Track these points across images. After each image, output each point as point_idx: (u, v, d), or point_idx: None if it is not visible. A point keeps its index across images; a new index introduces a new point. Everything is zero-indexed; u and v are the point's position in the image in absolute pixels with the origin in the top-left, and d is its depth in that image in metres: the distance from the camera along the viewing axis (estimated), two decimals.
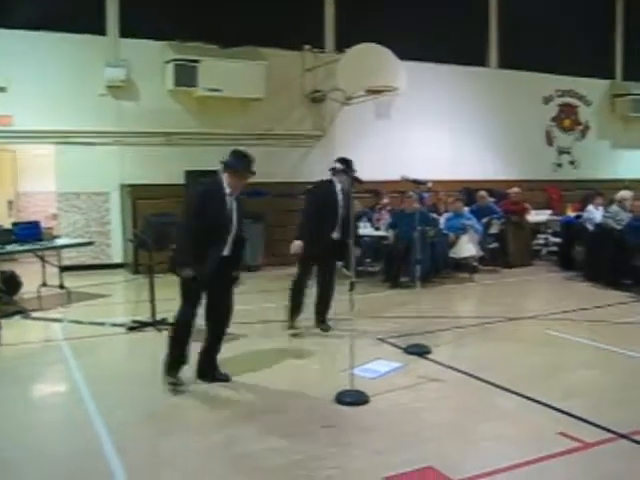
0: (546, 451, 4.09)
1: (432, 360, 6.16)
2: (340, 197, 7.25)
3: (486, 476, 3.81)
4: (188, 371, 5.53)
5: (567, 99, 16.96)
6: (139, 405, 5.11)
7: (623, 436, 4.30)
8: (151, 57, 12.17)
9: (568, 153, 17.08)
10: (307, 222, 7.30)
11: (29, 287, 9.22)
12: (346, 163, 7.03)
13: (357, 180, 5.47)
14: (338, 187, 7.27)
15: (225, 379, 5.60)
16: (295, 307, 7.33)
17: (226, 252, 5.46)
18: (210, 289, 5.45)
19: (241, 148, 5.77)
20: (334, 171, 7.19)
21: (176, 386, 5.37)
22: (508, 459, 4.00)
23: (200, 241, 5.28)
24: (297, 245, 7.16)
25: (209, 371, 5.61)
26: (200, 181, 5.62)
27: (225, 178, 5.44)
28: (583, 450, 4.14)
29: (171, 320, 7.15)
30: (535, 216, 13.10)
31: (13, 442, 4.38)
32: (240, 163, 5.47)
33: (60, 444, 4.39)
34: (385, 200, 11.94)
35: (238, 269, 5.65)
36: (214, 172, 5.66)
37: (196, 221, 5.31)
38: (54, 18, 11.41)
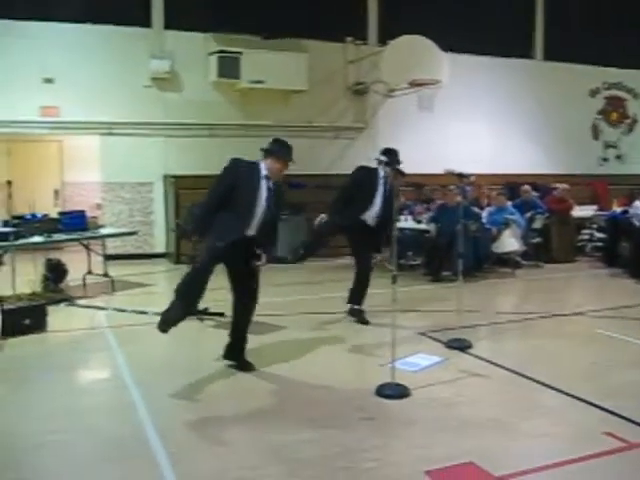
0: (590, 450, 4.01)
1: (473, 355, 6.10)
2: (381, 185, 7.25)
3: (528, 473, 3.75)
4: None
5: (615, 92, 16.61)
6: (180, 392, 5.16)
7: None
8: (195, 49, 12.29)
9: (615, 147, 16.73)
10: (339, 198, 7.39)
11: (74, 275, 9.37)
12: (390, 154, 7.04)
13: (400, 173, 5.43)
14: (381, 174, 7.28)
15: (250, 368, 5.62)
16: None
17: (250, 232, 5.42)
18: (232, 269, 5.48)
19: (282, 138, 5.81)
20: (379, 162, 7.20)
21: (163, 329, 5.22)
22: (551, 457, 3.93)
23: (223, 212, 5.28)
24: (323, 216, 7.28)
25: (235, 355, 5.69)
26: (239, 158, 5.64)
27: (266, 163, 5.50)
28: (628, 450, 4.05)
29: (213, 310, 7.33)
30: (580, 211, 12.86)
31: (62, 425, 4.47)
32: (282, 149, 5.57)
33: (106, 428, 4.46)
34: (435, 194, 11.82)
35: (264, 250, 5.52)
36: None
37: (223, 190, 5.34)
38: (100, 11, 11.63)
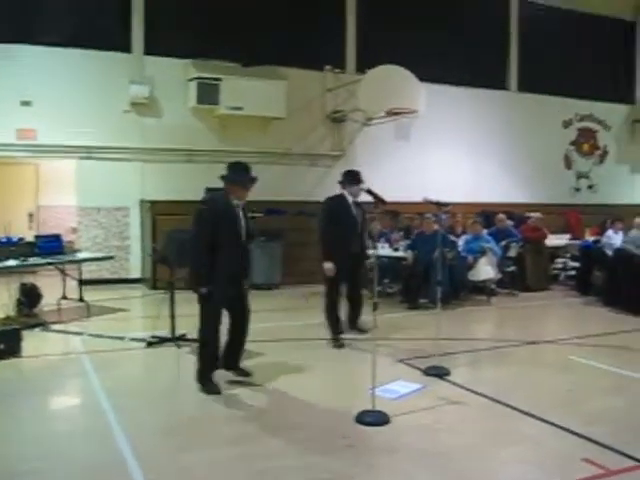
0: (569, 477, 4.06)
1: (452, 382, 6.13)
2: (353, 210, 7.31)
3: None
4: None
5: (586, 123, 16.96)
6: (159, 418, 5.13)
7: None
8: (174, 75, 12.32)
9: (587, 177, 17.06)
10: (326, 239, 7.35)
11: (49, 299, 9.27)
12: (349, 175, 7.17)
13: (381, 201, 5.49)
14: (350, 200, 7.33)
15: (246, 374, 5.95)
16: (335, 323, 7.46)
17: (240, 260, 5.66)
18: (229, 300, 5.67)
19: (238, 160, 5.94)
20: (342, 184, 7.32)
21: (216, 392, 5.61)
22: None
23: (216, 255, 5.38)
24: (330, 267, 7.23)
25: (233, 364, 5.95)
26: (208, 197, 5.86)
27: (231, 192, 5.57)
28: (607, 477, 4.10)
29: (190, 336, 7.29)
30: (554, 240, 13.04)
31: (37, 452, 4.40)
32: (241, 175, 5.65)
33: (82, 455, 4.40)
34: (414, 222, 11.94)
35: (246, 277, 5.87)
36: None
37: (207, 235, 5.43)
38: (80, 35, 11.64)
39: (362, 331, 7.58)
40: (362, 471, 4.17)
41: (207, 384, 5.67)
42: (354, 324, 7.74)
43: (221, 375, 5.88)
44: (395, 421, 4.99)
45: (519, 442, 4.70)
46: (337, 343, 7.41)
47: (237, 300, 5.77)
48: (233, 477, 4.06)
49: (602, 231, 11.94)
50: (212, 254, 5.47)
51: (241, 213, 5.64)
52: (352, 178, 7.29)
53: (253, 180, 5.67)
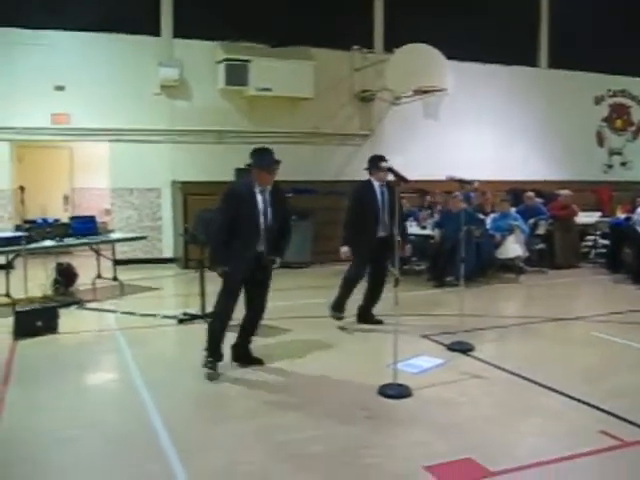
0: (585, 448, 4.15)
1: (475, 357, 6.23)
2: (379, 195, 7.35)
3: (524, 469, 3.89)
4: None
5: (619, 99, 16.75)
6: (188, 392, 5.33)
7: None
8: (203, 57, 12.49)
9: (620, 154, 16.86)
10: (349, 225, 7.45)
11: (84, 279, 9.56)
12: (373, 161, 7.22)
13: (403, 179, 5.56)
14: (376, 185, 7.37)
15: (259, 362, 5.94)
16: (342, 298, 7.49)
17: (261, 247, 5.70)
18: (248, 283, 5.73)
19: (260, 146, 5.98)
20: (369, 170, 7.36)
21: (213, 373, 5.64)
22: (546, 454, 4.07)
23: (235, 238, 5.54)
24: (345, 251, 7.32)
25: (243, 354, 5.96)
26: (235, 181, 6.01)
27: (255, 176, 5.68)
28: (622, 448, 4.18)
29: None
30: (584, 218, 12.96)
31: (72, 422, 4.63)
32: (264, 159, 5.72)
33: (115, 425, 4.63)
34: (437, 199, 11.98)
35: (275, 255, 5.84)
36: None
37: (227, 220, 5.58)
38: (110, 20, 11.83)
39: (376, 322, 7.50)
40: (381, 440, 4.32)
41: (211, 365, 5.68)
42: (367, 313, 7.62)
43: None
44: (417, 394, 5.12)
45: (538, 415, 4.80)
46: (337, 315, 7.49)
47: (255, 287, 5.81)
48: (258, 447, 4.23)
49: (633, 208, 11.82)
50: (231, 236, 5.61)
51: (266, 197, 5.69)
52: (375, 162, 7.31)
53: (277, 162, 5.78)
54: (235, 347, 5.97)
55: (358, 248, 7.31)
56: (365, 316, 7.58)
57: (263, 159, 5.72)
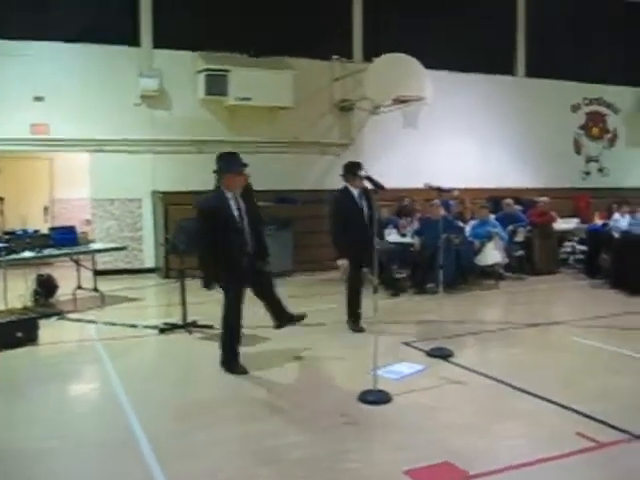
0: (561, 450, 4.21)
1: (455, 363, 6.29)
2: (358, 202, 7.43)
3: (502, 472, 3.95)
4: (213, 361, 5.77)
5: (595, 107, 16.96)
6: (169, 401, 5.34)
7: (639, 437, 4.40)
8: (183, 67, 12.51)
9: (596, 161, 17.07)
10: (339, 236, 7.50)
11: (65, 290, 9.52)
12: (349, 167, 7.33)
13: (380, 187, 5.62)
14: (355, 192, 7.45)
15: (299, 318, 6.53)
16: (354, 307, 7.61)
17: (250, 249, 5.91)
18: (249, 283, 6.02)
19: (225, 151, 6.24)
20: (344, 177, 7.46)
21: (242, 374, 5.87)
22: (524, 456, 4.13)
23: (223, 250, 5.61)
24: (345, 265, 7.41)
25: (281, 315, 6.41)
26: (202, 198, 6.12)
27: (225, 182, 5.75)
28: (598, 449, 4.26)
29: (201, 322, 7.51)
30: (562, 224, 13.11)
31: (52, 433, 4.63)
32: (230, 163, 5.85)
33: (96, 436, 4.63)
34: (415, 206, 12.09)
35: (265, 259, 6.21)
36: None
37: (210, 237, 5.67)
38: (90, 30, 11.82)
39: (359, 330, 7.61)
40: (359, 446, 4.35)
41: (233, 367, 5.93)
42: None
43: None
44: (396, 400, 5.17)
45: (515, 418, 4.86)
46: (357, 327, 7.58)
47: (257, 277, 6.09)
48: (239, 453, 4.26)
49: (609, 215, 11.99)
50: (217, 251, 5.69)
51: (239, 201, 5.84)
52: (352, 169, 7.41)
53: (243, 165, 5.86)
54: (277, 314, 6.43)
55: (349, 256, 7.38)
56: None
57: (232, 164, 5.81)
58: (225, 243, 5.72)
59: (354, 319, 7.64)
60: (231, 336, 5.97)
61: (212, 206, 5.89)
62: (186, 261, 7.73)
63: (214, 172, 5.97)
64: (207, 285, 5.94)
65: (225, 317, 5.95)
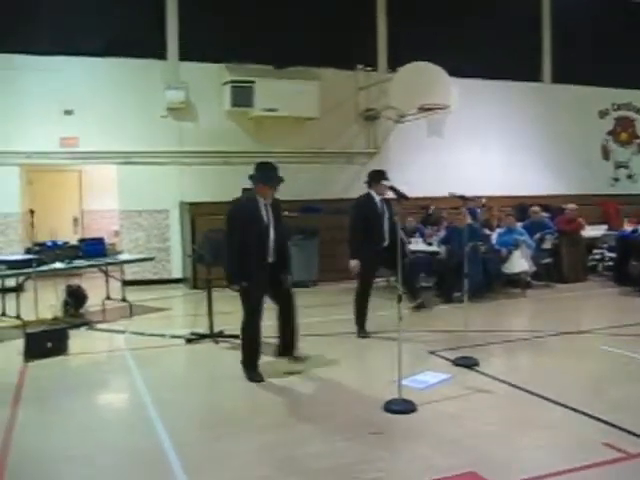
0: (589, 460, 4.17)
1: (480, 372, 6.26)
2: (380, 207, 7.51)
3: None
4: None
5: (624, 112, 16.79)
6: (196, 411, 5.40)
7: None
8: (209, 79, 12.66)
9: (626, 167, 16.88)
10: (356, 238, 7.56)
11: (94, 300, 9.65)
12: (374, 174, 7.40)
13: (403, 197, 5.64)
14: (377, 198, 7.54)
15: (300, 360, 6.37)
16: (361, 314, 7.69)
17: (271, 258, 5.96)
18: (269, 293, 6.08)
19: (265, 160, 6.28)
20: (368, 184, 7.56)
21: (259, 382, 5.93)
22: (550, 467, 4.09)
23: (246, 252, 5.68)
24: (355, 264, 7.44)
25: (287, 348, 6.36)
26: (236, 199, 6.25)
27: (258, 190, 5.86)
28: (626, 460, 4.20)
29: (227, 332, 7.57)
30: (591, 231, 12.97)
31: (81, 441, 4.71)
32: (267, 175, 5.94)
33: (124, 444, 4.69)
34: (442, 213, 12.06)
35: (286, 272, 6.22)
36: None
37: (238, 235, 5.72)
38: (117, 44, 12.04)
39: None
40: (383, 456, 4.35)
41: (252, 374, 6.00)
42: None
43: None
44: (422, 410, 5.16)
45: (542, 428, 4.82)
46: (363, 333, 7.67)
47: (278, 289, 6.14)
48: (264, 463, 4.29)
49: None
50: (244, 253, 5.77)
51: (269, 210, 5.93)
52: (377, 177, 7.56)
53: (280, 180, 5.93)
54: (280, 343, 6.42)
55: (364, 260, 7.44)
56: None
57: (270, 177, 5.91)
58: (250, 246, 5.81)
59: (360, 324, 7.71)
60: (250, 346, 6.06)
61: (244, 207, 6.01)
62: (213, 272, 7.81)
63: (249, 177, 6.03)
64: (232, 281, 5.96)
65: (244, 328, 6.06)
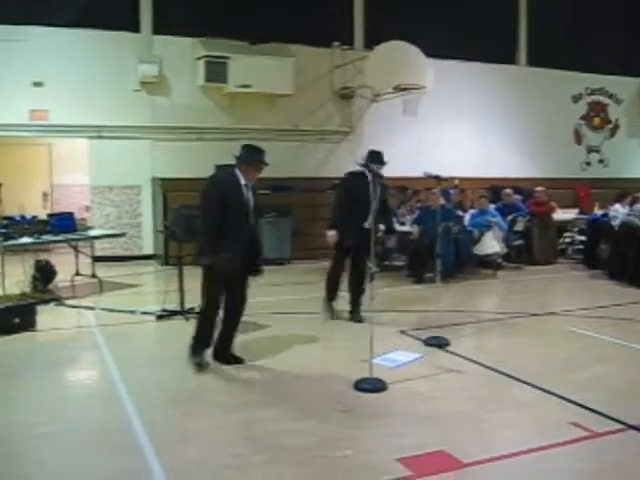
0: (555, 439, 4.22)
1: (451, 352, 6.30)
2: (372, 188, 7.41)
3: (495, 460, 3.96)
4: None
5: (597, 97, 16.92)
6: (166, 387, 5.36)
7: (632, 427, 4.42)
8: (183, 53, 12.48)
9: (597, 152, 17.04)
10: (340, 212, 7.53)
11: (63, 276, 9.50)
12: (372, 156, 7.29)
13: (378, 175, 5.61)
14: (369, 178, 7.44)
15: (238, 361, 5.89)
16: (331, 289, 7.59)
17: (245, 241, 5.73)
18: (229, 277, 5.68)
19: (252, 143, 6.04)
20: (365, 165, 7.38)
21: (201, 367, 5.70)
22: (518, 445, 4.14)
23: (222, 230, 5.53)
24: (332, 234, 7.39)
25: (223, 353, 5.91)
26: (216, 175, 6.07)
27: (241, 171, 5.70)
28: (592, 439, 4.27)
29: (198, 309, 7.49)
30: (562, 214, 13.11)
31: (49, 417, 4.65)
32: (254, 156, 5.77)
33: (92, 420, 4.64)
34: (421, 196, 12.04)
35: (259, 259, 5.92)
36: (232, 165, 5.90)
37: (217, 211, 5.56)
38: (89, 16, 11.78)
39: (358, 320, 7.46)
40: (353, 434, 4.37)
41: (196, 357, 5.72)
42: (352, 308, 7.68)
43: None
44: (392, 388, 5.18)
45: (511, 408, 4.88)
46: (329, 308, 7.60)
47: (238, 283, 5.80)
48: (232, 441, 4.28)
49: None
50: (220, 231, 5.60)
51: (250, 193, 5.77)
52: (376, 158, 7.43)
53: (265, 164, 5.82)
54: (216, 345, 5.92)
55: (343, 237, 7.39)
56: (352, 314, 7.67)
57: (255, 157, 5.76)
58: (227, 226, 5.61)
59: (330, 298, 7.63)
60: (202, 323, 5.77)
61: (225, 180, 5.75)
62: (184, 248, 7.74)
63: (236, 157, 5.85)
64: (203, 254, 5.63)
65: (202, 302, 5.78)
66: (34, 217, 9.39)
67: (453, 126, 14.62)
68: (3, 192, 8.84)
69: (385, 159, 7.54)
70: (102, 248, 11.47)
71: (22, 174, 13.57)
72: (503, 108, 15.37)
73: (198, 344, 5.76)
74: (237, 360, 5.91)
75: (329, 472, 3.88)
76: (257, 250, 5.93)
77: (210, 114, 12.69)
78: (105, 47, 11.99)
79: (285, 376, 5.63)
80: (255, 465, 3.93)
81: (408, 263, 10.68)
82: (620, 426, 4.45)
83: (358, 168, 7.52)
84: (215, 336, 5.84)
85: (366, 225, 7.22)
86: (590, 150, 16.94)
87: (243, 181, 5.69)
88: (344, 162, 12.38)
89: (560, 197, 13.85)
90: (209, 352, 5.83)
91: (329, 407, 4.81)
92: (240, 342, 6.20)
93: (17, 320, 7.02)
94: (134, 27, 12.26)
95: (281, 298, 8.72)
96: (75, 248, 9.72)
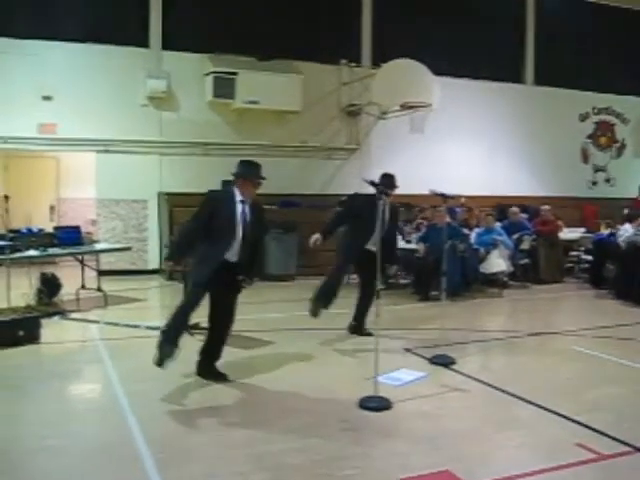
0: (561, 461, 4.18)
1: (456, 371, 6.26)
2: (380, 211, 7.36)
3: None
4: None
5: (604, 116, 16.93)
6: (169, 404, 5.31)
7: (639, 449, 4.37)
8: (191, 69, 12.56)
9: (604, 171, 17.02)
10: (334, 223, 7.63)
11: (68, 289, 9.50)
12: (384, 179, 7.26)
13: (384, 192, 5.59)
14: (381, 202, 7.38)
15: (220, 378, 5.81)
16: (327, 298, 7.44)
17: (232, 257, 5.63)
18: (212, 292, 5.65)
19: (249, 158, 6.06)
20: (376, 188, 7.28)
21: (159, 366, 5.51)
22: (523, 466, 4.10)
23: (207, 241, 5.52)
24: (317, 237, 7.37)
25: (207, 369, 5.86)
26: (214, 189, 6.08)
27: (238, 186, 5.69)
28: (598, 461, 4.22)
29: (203, 325, 7.48)
30: (568, 233, 13.08)
31: (53, 431, 4.62)
32: (250, 170, 5.75)
33: (95, 435, 4.62)
34: (427, 214, 12.04)
35: (248, 275, 5.83)
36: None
37: (200, 222, 5.58)
38: (99, 30, 11.92)
39: (367, 334, 7.41)
40: (358, 452, 4.33)
41: (165, 346, 5.56)
42: (356, 324, 7.67)
43: (227, 364, 6.06)
44: (397, 407, 5.14)
45: (516, 427, 4.84)
46: (315, 308, 7.41)
47: (226, 294, 5.74)
48: (235, 458, 4.24)
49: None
50: (204, 239, 5.58)
51: (246, 209, 5.67)
52: (387, 181, 7.37)
53: (261, 177, 5.80)
54: (199, 363, 5.89)
55: (344, 253, 7.37)
56: (356, 328, 7.65)
57: (251, 171, 5.74)
58: (211, 238, 5.55)
59: (321, 302, 7.42)
60: (176, 318, 5.68)
61: (219, 196, 5.82)
62: (189, 263, 7.73)
63: (233, 174, 5.86)
64: (171, 257, 5.69)
65: (178, 310, 5.70)
66: (41, 230, 9.40)
67: (460, 144, 14.64)
68: (10, 204, 8.87)
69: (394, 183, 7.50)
70: (108, 262, 11.48)
71: (29, 187, 13.62)
72: (510, 126, 15.39)
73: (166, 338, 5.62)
74: (219, 377, 5.82)
75: None
76: (249, 265, 5.82)
77: (218, 130, 12.75)
78: (114, 62, 12.08)
79: (289, 393, 5.59)
80: None
81: (414, 281, 10.65)
82: (627, 448, 4.40)
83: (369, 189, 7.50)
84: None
85: (370, 247, 7.16)
86: (597, 169, 16.93)
87: (239, 197, 5.66)
88: (351, 179, 12.44)
89: (566, 216, 13.81)
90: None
91: (334, 425, 4.78)
92: (244, 358, 6.20)
93: (22, 333, 7.01)
94: (143, 42, 12.37)
95: (286, 315, 8.69)
96: (81, 261, 9.73)
